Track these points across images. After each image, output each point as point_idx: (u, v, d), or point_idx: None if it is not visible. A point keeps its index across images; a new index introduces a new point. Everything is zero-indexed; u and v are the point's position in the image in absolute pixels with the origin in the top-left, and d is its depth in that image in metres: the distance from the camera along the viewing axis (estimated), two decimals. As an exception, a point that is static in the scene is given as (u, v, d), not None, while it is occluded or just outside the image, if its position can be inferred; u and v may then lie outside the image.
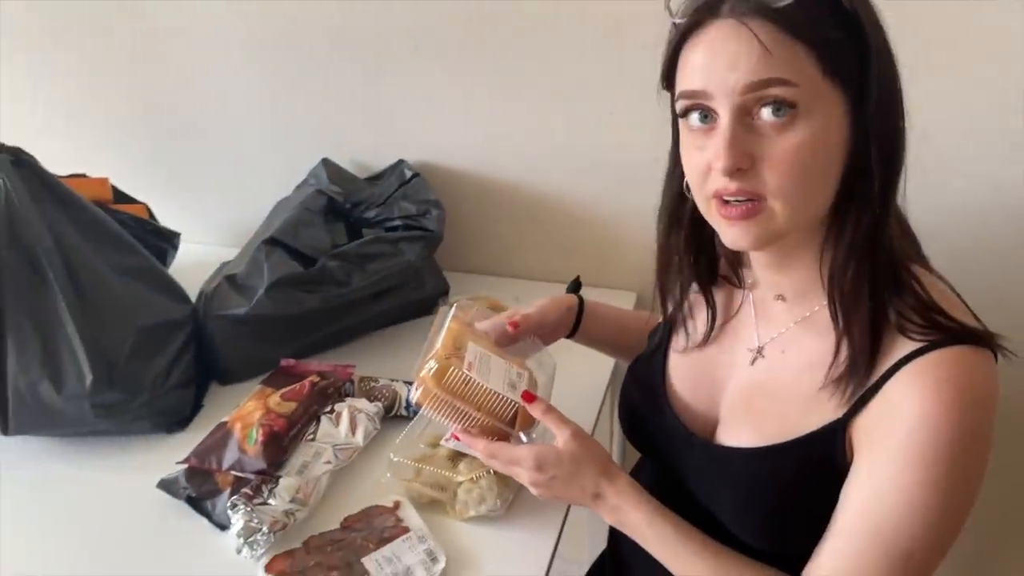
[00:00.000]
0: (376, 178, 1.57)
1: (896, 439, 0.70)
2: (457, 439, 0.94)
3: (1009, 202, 1.24)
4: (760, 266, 0.85)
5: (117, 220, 1.27)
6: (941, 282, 0.78)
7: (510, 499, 1.04)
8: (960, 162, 1.24)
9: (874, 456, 0.72)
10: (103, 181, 1.49)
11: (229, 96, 1.62)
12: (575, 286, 1.19)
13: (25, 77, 1.72)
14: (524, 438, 0.92)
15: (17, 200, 1.12)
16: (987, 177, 1.24)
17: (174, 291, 1.28)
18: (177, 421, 1.22)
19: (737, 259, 0.92)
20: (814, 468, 0.77)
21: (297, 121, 1.61)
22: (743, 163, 0.69)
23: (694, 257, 0.90)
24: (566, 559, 1.40)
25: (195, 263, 1.48)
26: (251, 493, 1.01)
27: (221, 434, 1.09)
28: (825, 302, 0.76)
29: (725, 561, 0.82)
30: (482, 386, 0.90)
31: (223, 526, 1.02)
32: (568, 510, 1.04)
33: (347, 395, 1.20)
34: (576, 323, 1.13)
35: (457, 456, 1.06)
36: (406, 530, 1.00)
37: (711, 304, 0.92)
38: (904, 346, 0.71)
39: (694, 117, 0.73)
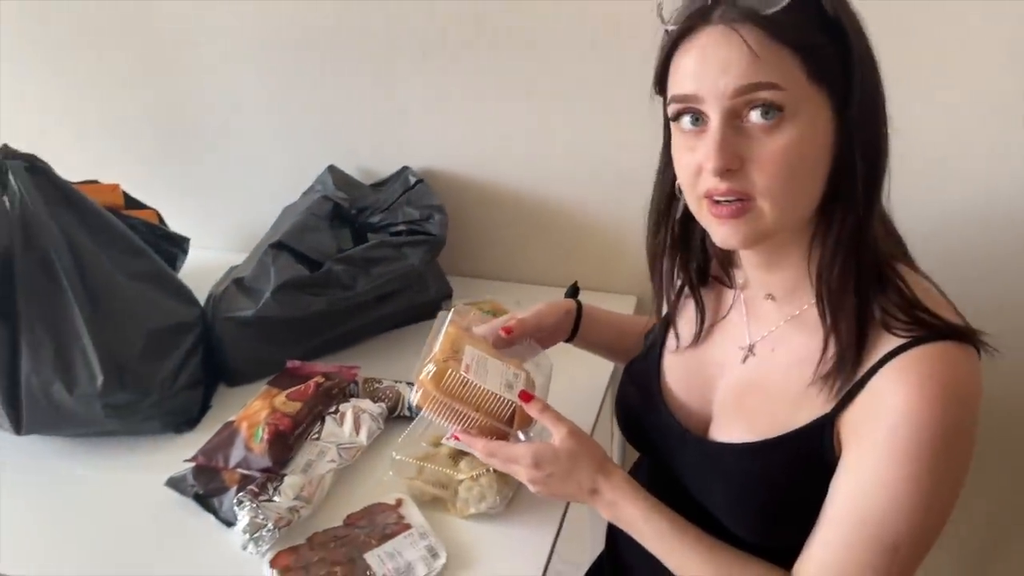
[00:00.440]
0: (381, 184, 1.60)
1: (881, 433, 0.72)
2: (457, 439, 0.96)
3: (999, 208, 1.26)
4: (750, 266, 0.87)
5: (128, 225, 1.29)
6: (925, 280, 0.79)
7: (510, 497, 1.06)
8: (952, 168, 1.26)
9: (861, 450, 0.74)
10: (114, 187, 1.52)
11: (238, 104, 1.65)
12: (573, 291, 1.21)
13: (40, 86, 1.76)
14: (522, 437, 0.94)
15: (31, 205, 1.15)
16: (978, 183, 1.26)
17: (183, 294, 1.31)
18: (185, 421, 1.25)
19: (728, 259, 0.94)
20: (804, 463, 0.79)
21: (304, 128, 1.64)
22: (732, 164, 0.72)
23: (683, 257, 0.92)
24: (566, 560, 1.42)
25: (204, 267, 1.51)
26: (257, 490, 1.03)
27: (228, 433, 1.11)
28: (813, 300, 0.78)
29: (719, 555, 0.84)
30: (480, 387, 0.93)
31: (229, 522, 1.04)
32: (567, 508, 1.06)
33: (351, 396, 1.23)
34: (574, 327, 1.15)
35: (458, 455, 1.08)
36: (408, 527, 1.02)
37: (699, 304, 0.95)
38: (889, 342, 0.73)
39: (686, 120, 0.75)
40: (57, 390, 1.14)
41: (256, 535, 0.99)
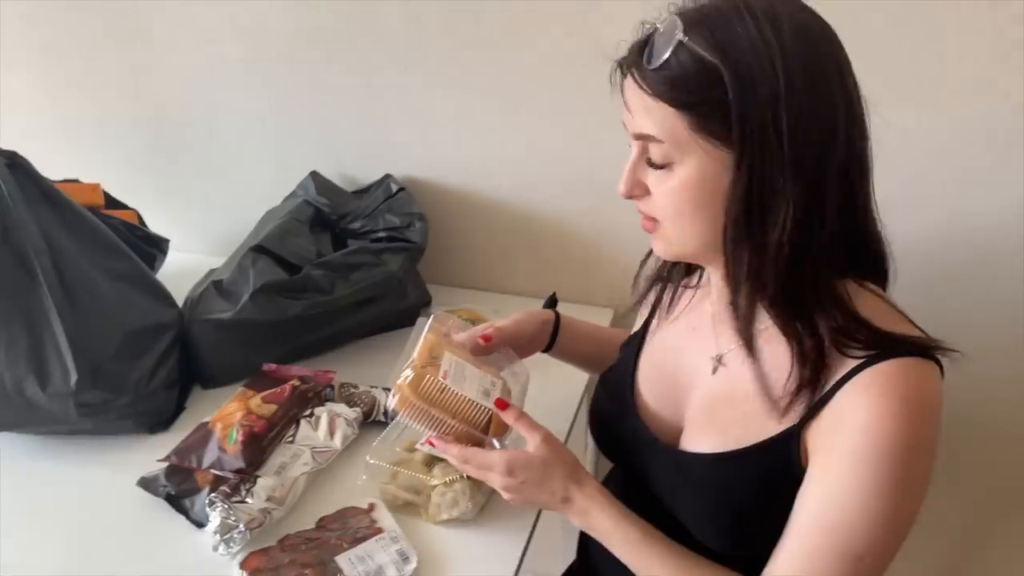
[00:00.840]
0: (363, 192, 1.61)
1: (846, 446, 0.73)
2: (432, 445, 0.97)
3: (968, 228, 1.29)
4: (714, 275, 0.89)
5: (107, 224, 1.29)
6: (877, 297, 0.81)
7: (482, 503, 1.06)
8: (923, 191, 1.29)
9: (826, 463, 0.76)
10: (95, 187, 1.52)
11: (222, 108, 1.65)
12: (551, 302, 1.22)
13: (24, 85, 1.75)
14: (497, 444, 0.95)
15: (11, 201, 1.14)
16: (949, 206, 1.29)
17: (161, 295, 1.31)
18: (159, 422, 1.24)
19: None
20: (771, 474, 0.80)
21: (288, 134, 1.64)
22: (636, 191, 0.81)
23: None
24: (538, 573, 1.43)
25: (183, 270, 1.50)
26: (229, 491, 1.03)
27: (202, 433, 1.11)
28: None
29: (687, 564, 0.85)
30: (457, 394, 0.93)
31: (200, 524, 1.04)
32: (538, 516, 1.07)
33: (327, 400, 1.23)
34: (552, 338, 1.16)
35: (432, 460, 1.08)
36: (380, 531, 1.02)
37: (675, 292, 0.98)
38: (844, 361, 0.75)
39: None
40: (30, 386, 1.13)
41: (227, 536, 0.99)
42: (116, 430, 1.22)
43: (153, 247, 1.51)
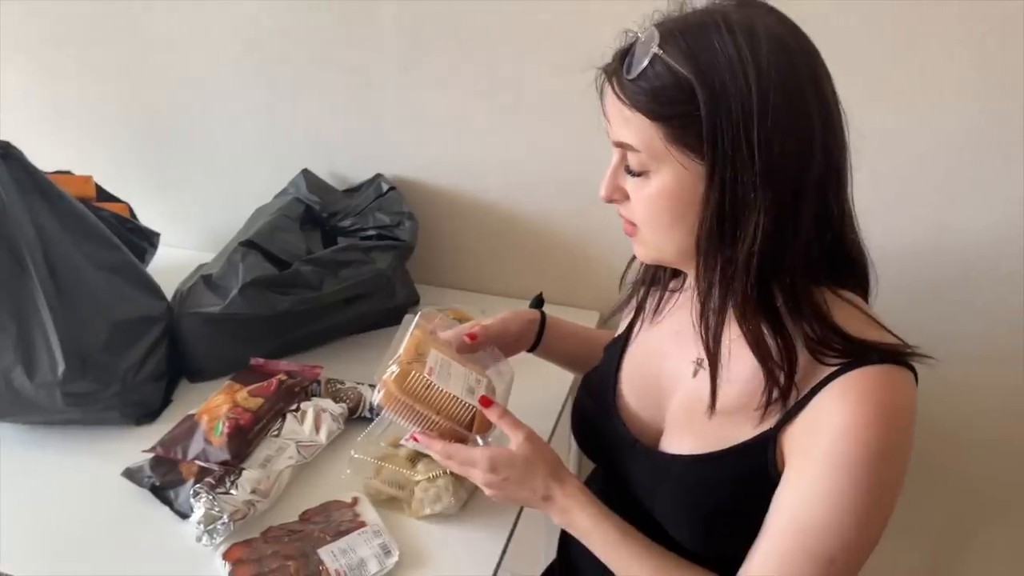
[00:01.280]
0: (354, 190, 1.62)
1: (820, 450, 0.75)
2: (416, 440, 0.98)
3: (948, 239, 1.31)
4: (691, 276, 0.90)
5: (98, 217, 1.30)
6: (849, 305, 0.81)
7: (465, 499, 1.08)
8: (906, 203, 1.31)
9: (801, 466, 0.77)
10: (87, 179, 1.52)
11: (215, 104, 1.66)
12: (538, 302, 1.23)
13: (19, 77, 1.76)
14: (480, 441, 0.96)
15: (3, 192, 1.15)
16: (929, 216, 1.31)
17: (150, 287, 1.32)
18: (146, 414, 1.25)
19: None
20: (748, 476, 0.81)
21: (280, 132, 1.65)
22: (615, 196, 0.84)
23: None
24: (518, 574, 1.44)
25: (174, 265, 1.51)
26: (214, 483, 1.04)
27: (188, 425, 1.12)
28: None
29: (666, 564, 0.87)
30: (441, 390, 0.95)
31: (184, 515, 1.05)
32: (520, 513, 1.08)
33: (313, 395, 1.24)
34: (538, 337, 1.17)
35: (416, 456, 1.09)
36: (363, 524, 1.03)
37: (662, 294, 1.00)
38: (819, 368, 0.77)
39: None
40: (17, 375, 1.14)
41: (211, 527, 1.00)
42: (103, 421, 1.22)
43: (144, 240, 1.52)
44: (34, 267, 1.15)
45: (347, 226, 1.51)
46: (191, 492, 1.04)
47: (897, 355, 0.76)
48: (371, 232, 1.48)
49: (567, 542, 1.11)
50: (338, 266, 1.38)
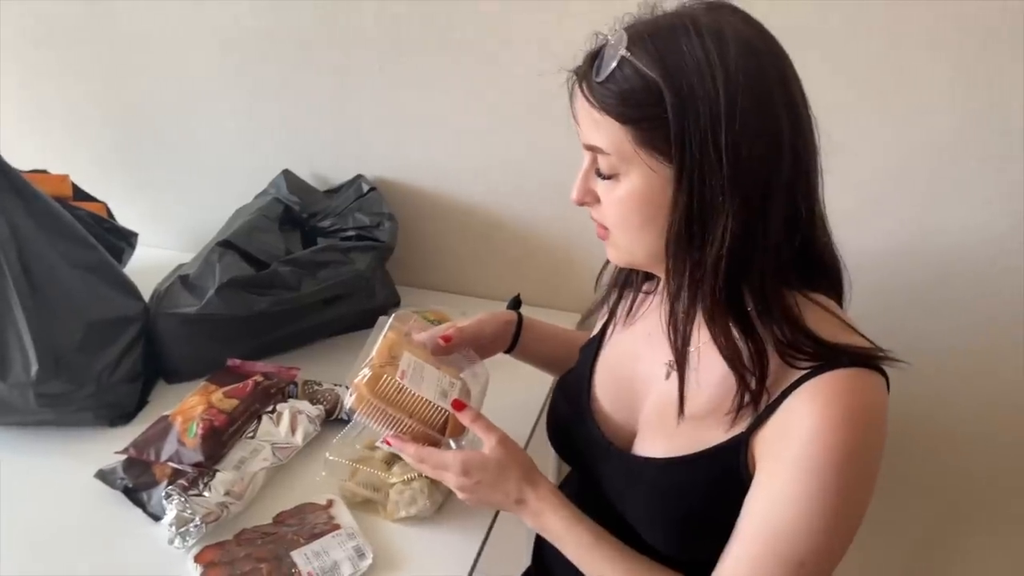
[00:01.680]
0: (335, 191, 1.61)
1: (791, 453, 0.75)
2: (389, 444, 0.97)
3: (931, 242, 1.31)
4: (664, 282, 0.90)
5: (75, 216, 1.28)
6: (821, 309, 0.81)
7: (440, 502, 1.07)
8: (889, 206, 1.31)
9: (772, 469, 0.77)
10: (63, 178, 1.51)
11: (196, 104, 1.65)
12: (515, 303, 1.23)
13: (0, 77, 1.74)
14: (453, 445, 0.96)
15: (-25, 189, 1.14)
16: (911, 219, 1.31)
17: (127, 287, 1.30)
18: (121, 415, 1.24)
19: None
20: (720, 480, 0.81)
21: (261, 132, 1.64)
22: (586, 199, 0.84)
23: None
24: (493, 576, 1.43)
25: (153, 265, 1.50)
26: (187, 485, 1.03)
27: (162, 426, 1.11)
28: None
29: (639, 567, 0.86)
30: (414, 394, 0.94)
31: (157, 517, 1.04)
32: (495, 516, 1.07)
33: (290, 396, 1.23)
34: (514, 339, 1.17)
35: (392, 458, 1.09)
36: (337, 527, 1.02)
37: (634, 297, 1.00)
38: (789, 371, 0.77)
39: None
40: (-10, 376, 1.13)
41: (183, 529, 0.99)
42: (77, 422, 1.21)
43: (121, 240, 1.51)
44: (7, 266, 1.13)
45: (327, 227, 1.51)
46: (164, 494, 1.03)
47: (868, 359, 0.76)
48: (351, 233, 1.47)
49: (541, 546, 1.11)
50: (316, 267, 1.37)
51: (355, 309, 1.43)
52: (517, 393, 1.23)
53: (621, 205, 0.79)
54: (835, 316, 0.81)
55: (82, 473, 1.11)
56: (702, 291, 0.76)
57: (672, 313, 0.80)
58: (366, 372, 0.94)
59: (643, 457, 0.89)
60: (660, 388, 0.92)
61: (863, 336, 0.80)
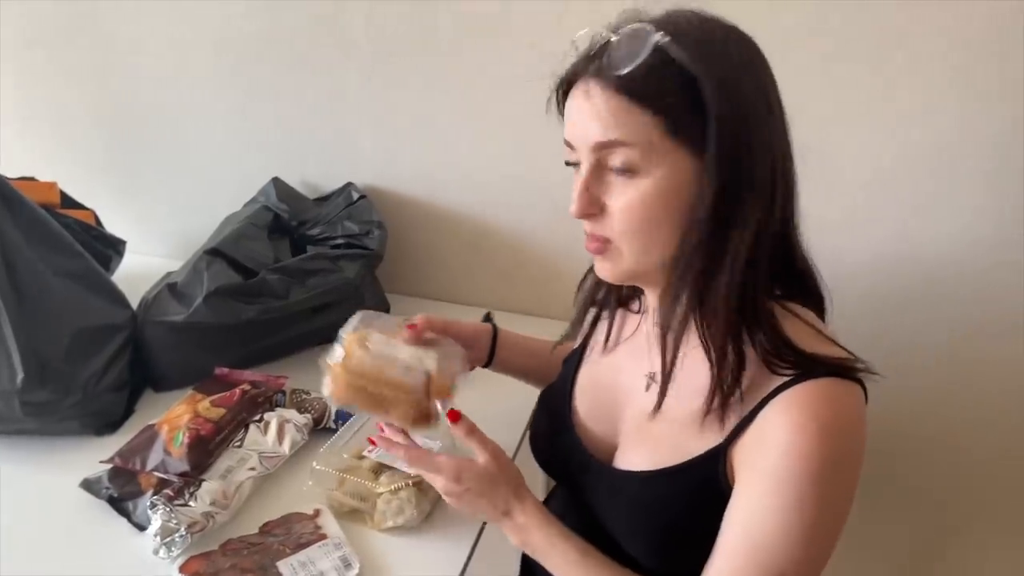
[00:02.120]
0: (325, 199, 1.61)
1: (768, 464, 0.74)
2: (382, 433, 0.97)
3: (915, 253, 1.32)
4: (650, 294, 0.89)
5: (62, 223, 1.28)
6: (800, 319, 0.81)
7: (427, 511, 1.07)
8: (872, 214, 1.32)
9: (750, 481, 0.77)
10: (51, 185, 1.51)
11: (185, 111, 1.65)
12: (487, 318, 1.22)
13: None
14: (440, 407, 0.94)
15: (-39, 197, 1.14)
16: (896, 230, 1.32)
17: (114, 295, 1.30)
18: (107, 424, 1.23)
19: (637, 289, 0.97)
20: (700, 491, 0.81)
21: (251, 140, 1.64)
22: (591, 210, 0.78)
23: (598, 281, 0.96)
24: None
25: (142, 272, 1.49)
26: (172, 494, 1.02)
27: (148, 435, 1.10)
28: None
29: None
30: (391, 359, 0.93)
31: (142, 527, 1.03)
32: (482, 528, 1.07)
33: (278, 405, 1.23)
34: (492, 350, 1.16)
35: (379, 468, 1.08)
36: (324, 537, 1.02)
37: (611, 319, 0.99)
38: (775, 379, 0.76)
39: (571, 164, 0.81)
40: (-26, 385, 1.12)
41: (168, 540, 0.98)
42: (62, 431, 1.21)
43: (109, 248, 1.51)
44: (-8, 274, 1.13)
45: (316, 234, 1.50)
46: (149, 504, 1.02)
47: (843, 369, 0.76)
48: (340, 241, 1.47)
49: (529, 565, 1.09)
50: (305, 275, 1.37)
51: (343, 317, 1.39)
52: (505, 402, 1.23)
53: (643, 204, 0.75)
54: (813, 327, 0.81)
55: (67, 482, 1.10)
56: (708, 298, 0.76)
57: (666, 320, 0.80)
58: (339, 351, 0.94)
59: (624, 470, 0.89)
60: (640, 400, 0.91)
61: (841, 347, 0.80)
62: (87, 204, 1.60)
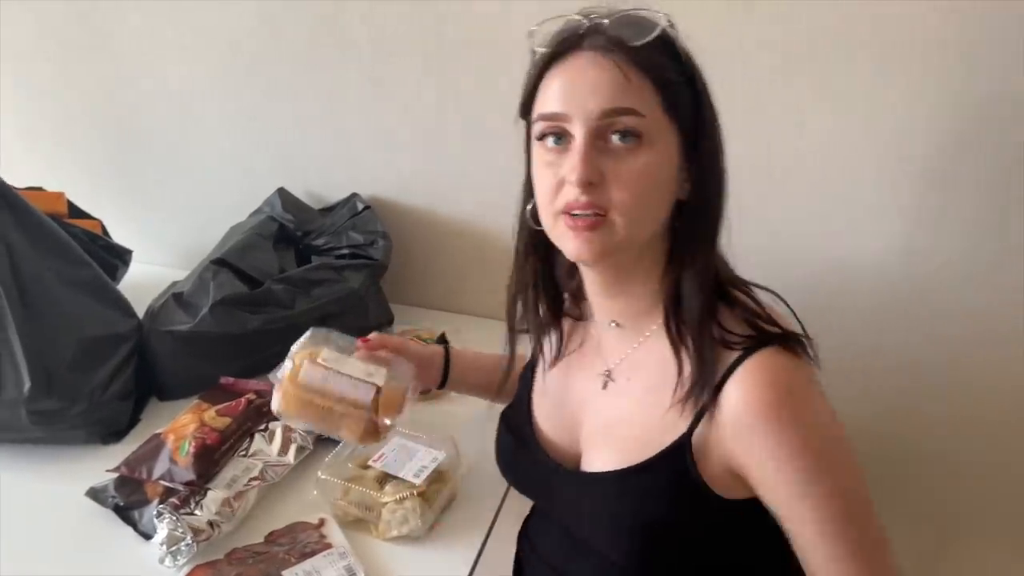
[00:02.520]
0: (329, 209, 1.62)
1: (761, 453, 0.76)
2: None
3: (868, 260, 1.32)
4: (593, 293, 0.89)
5: (69, 233, 1.29)
6: (752, 301, 0.83)
7: (432, 521, 1.07)
8: (830, 225, 1.30)
9: (761, 478, 0.77)
10: (59, 195, 1.52)
11: (191, 122, 1.66)
12: (441, 339, 1.24)
13: (-7, 92, 1.76)
14: (389, 423, 0.95)
15: (-29, 207, 1.15)
16: (850, 237, 1.31)
17: (120, 305, 1.31)
18: (113, 433, 1.24)
19: (580, 293, 0.96)
20: (671, 483, 0.80)
21: (257, 150, 1.65)
22: (594, 177, 0.76)
23: (545, 289, 0.95)
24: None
25: (148, 282, 1.50)
26: (178, 503, 1.03)
27: (154, 444, 1.11)
28: (657, 323, 0.83)
29: None
30: (339, 375, 0.95)
31: (148, 536, 1.04)
32: (488, 535, 1.07)
33: (283, 415, 1.23)
34: (444, 373, 1.17)
35: (384, 477, 1.09)
36: (328, 546, 1.02)
37: (559, 332, 0.99)
38: (728, 357, 0.77)
39: (551, 139, 0.80)
40: (-18, 394, 1.13)
41: (174, 548, 0.99)
42: (68, 440, 1.21)
43: (115, 257, 1.52)
44: (0, 283, 1.14)
45: (321, 245, 1.51)
46: (155, 513, 1.03)
47: (784, 338, 0.78)
48: (344, 251, 1.48)
49: (521, 569, 1.08)
50: (310, 285, 1.38)
51: (348, 327, 1.40)
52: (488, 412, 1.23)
53: (647, 171, 0.77)
54: (755, 301, 0.83)
55: (73, 491, 1.10)
56: (711, 270, 0.80)
57: (687, 304, 0.81)
58: (288, 365, 0.96)
59: (592, 473, 0.88)
60: (599, 401, 0.91)
61: (778, 324, 0.81)
62: (94, 214, 1.61)
